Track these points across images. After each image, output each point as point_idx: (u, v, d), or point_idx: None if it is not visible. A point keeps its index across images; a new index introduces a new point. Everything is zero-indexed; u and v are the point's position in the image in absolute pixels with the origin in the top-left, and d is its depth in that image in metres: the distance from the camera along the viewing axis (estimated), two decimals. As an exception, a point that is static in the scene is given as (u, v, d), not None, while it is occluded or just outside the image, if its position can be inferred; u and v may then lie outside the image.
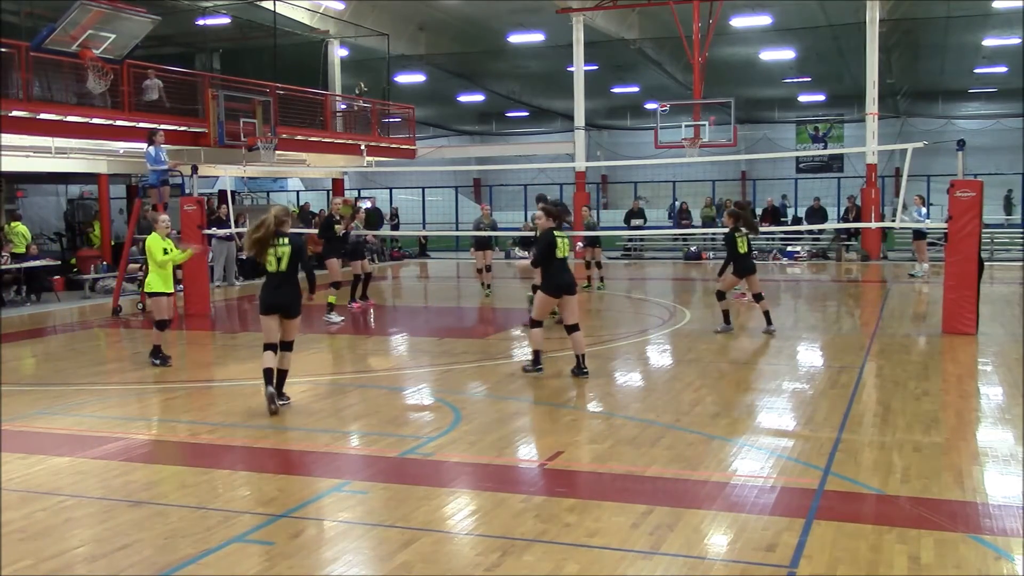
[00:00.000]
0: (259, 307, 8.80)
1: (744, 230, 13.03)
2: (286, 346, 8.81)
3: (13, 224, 19.33)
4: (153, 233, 11.35)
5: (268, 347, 8.69)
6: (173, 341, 14.10)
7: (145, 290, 11.38)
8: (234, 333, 14.95)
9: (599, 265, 19.04)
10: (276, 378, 8.69)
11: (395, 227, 31.32)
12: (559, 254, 9.91)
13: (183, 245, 12.41)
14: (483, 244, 18.41)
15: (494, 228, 18.35)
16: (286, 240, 8.64)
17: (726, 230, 13.80)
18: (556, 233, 9.95)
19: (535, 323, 10.17)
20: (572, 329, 10.17)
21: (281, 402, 8.81)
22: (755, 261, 13.81)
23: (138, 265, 19.08)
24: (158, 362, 11.21)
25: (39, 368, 12.04)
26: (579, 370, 10.14)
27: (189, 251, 12.10)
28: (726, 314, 13.14)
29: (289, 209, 9.74)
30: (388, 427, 8.33)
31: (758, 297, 13.15)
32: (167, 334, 11.39)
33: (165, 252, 11.19)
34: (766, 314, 13.04)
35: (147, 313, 16.50)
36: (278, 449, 7.63)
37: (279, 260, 8.60)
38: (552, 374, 10.70)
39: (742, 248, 12.93)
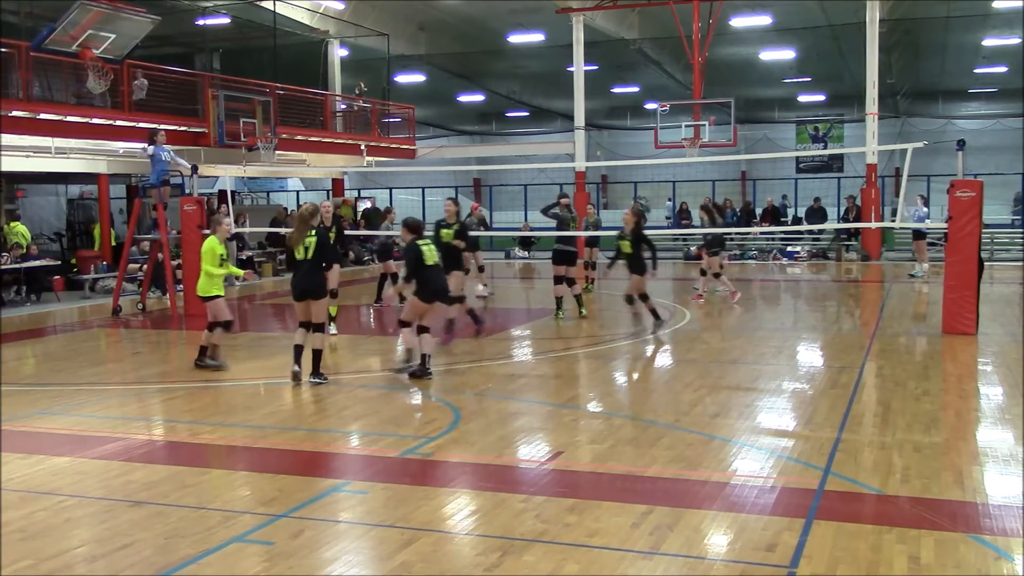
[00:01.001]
0: (292, 294, 10.10)
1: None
2: (317, 327, 10.04)
3: (12, 224, 19.33)
4: (212, 236, 10.93)
5: (301, 324, 10.10)
6: (174, 341, 14.13)
7: (200, 294, 11.00)
8: (234, 333, 14.92)
9: (592, 266, 19.05)
10: (312, 358, 9.95)
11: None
12: (428, 262, 10.12)
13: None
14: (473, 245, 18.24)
15: (486, 226, 18.10)
16: (313, 232, 10.00)
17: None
18: (419, 243, 10.16)
19: (404, 324, 10.34)
20: (423, 330, 10.28)
21: (317, 380, 9.91)
22: (756, 261, 13.86)
23: (138, 265, 19.10)
24: (215, 363, 10.93)
25: (39, 368, 12.05)
26: (423, 370, 10.20)
27: (240, 272, 12.23)
28: (654, 312, 12.99)
29: (317, 206, 10.68)
30: (388, 427, 8.34)
31: (644, 297, 13.05)
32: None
33: (222, 259, 10.88)
34: (652, 312, 13.01)
35: (147, 313, 16.56)
36: (278, 449, 7.63)
37: (307, 249, 9.90)
38: (552, 374, 10.71)
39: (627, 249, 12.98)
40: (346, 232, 15.67)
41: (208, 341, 11.00)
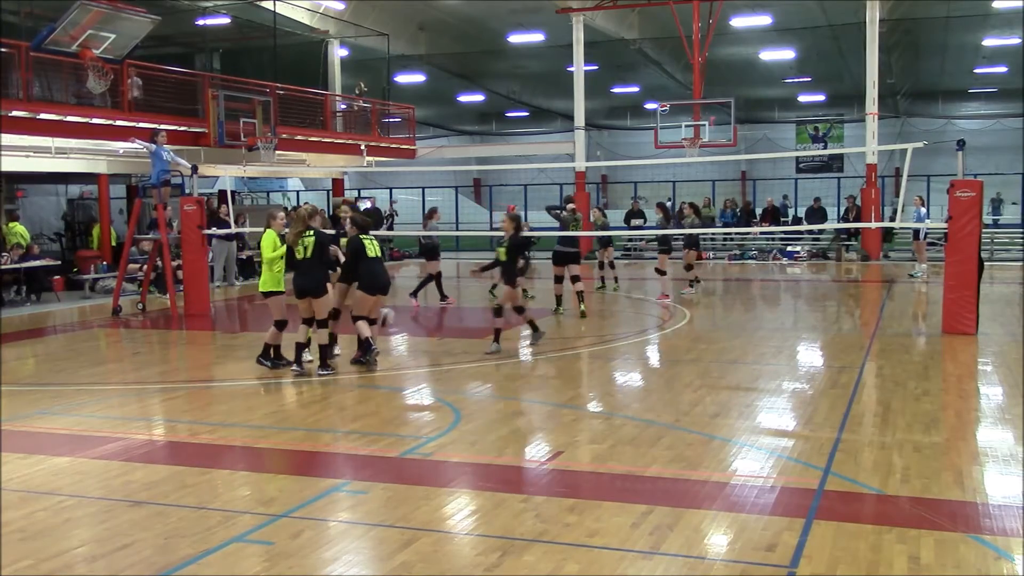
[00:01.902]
0: (294, 292, 10.52)
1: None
2: (320, 323, 10.45)
3: (11, 224, 19.34)
4: (269, 230, 10.77)
5: (304, 321, 10.58)
6: (174, 341, 14.13)
7: (261, 289, 10.90)
8: (234, 333, 14.94)
9: (612, 266, 19.16)
10: (319, 352, 10.53)
11: (390, 227, 31.26)
12: (370, 254, 10.65)
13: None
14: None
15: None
16: (311, 232, 10.37)
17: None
18: (363, 238, 10.68)
19: (357, 317, 10.76)
20: (361, 319, 10.73)
21: (324, 372, 10.43)
22: (756, 261, 13.75)
23: (138, 265, 19.10)
24: (269, 364, 10.78)
25: (39, 368, 12.04)
26: (365, 357, 10.73)
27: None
28: (497, 332, 11.84)
29: (318, 208, 11.06)
30: (388, 427, 8.34)
31: (497, 311, 11.95)
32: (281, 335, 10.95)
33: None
34: (497, 332, 11.81)
35: (147, 313, 16.55)
36: (278, 449, 7.63)
37: (306, 248, 10.30)
38: (552, 374, 10.71)
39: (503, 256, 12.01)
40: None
41: (275, 340, 10.91)
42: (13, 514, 6.03)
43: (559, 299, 15.29)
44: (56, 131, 17.82)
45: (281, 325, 10.84)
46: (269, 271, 10.75)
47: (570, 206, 16.17)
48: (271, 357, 10.91)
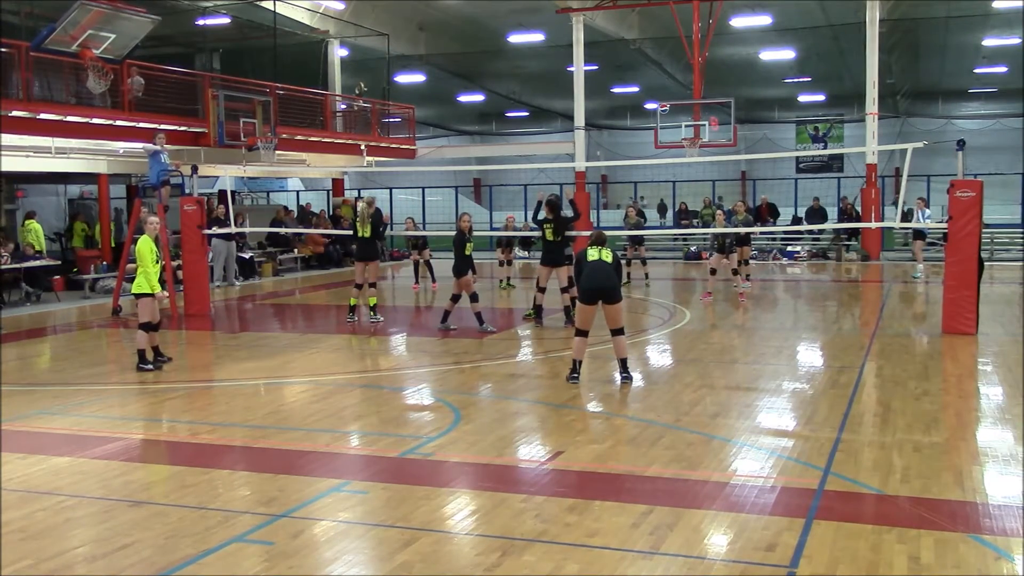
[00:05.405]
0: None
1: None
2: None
3: (28, 223, 19.43)
4: (144, 236, 10.99)
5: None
6: (173, 341, 14.14)
7: (135, 292, 11.01)
8: (234, 333, 14.94)
9: (644, 262, 20.87)
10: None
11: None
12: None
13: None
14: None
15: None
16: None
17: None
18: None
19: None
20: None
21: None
22: (756, 261, 13.75)
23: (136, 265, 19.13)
24: (151, 367, 11.02)
25: (39, 368, 12.04)
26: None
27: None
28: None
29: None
30: (388, 427, 8.34)
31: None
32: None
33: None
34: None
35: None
36: (278, 449, 7.63)
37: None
38: (552, 374, 10.70)
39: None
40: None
41: (145, 344, 11.08)
42: (13, 514, 6.03)
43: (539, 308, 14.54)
44: (56, 131, 17.81)
45: (148, 327, 10.96)
46: (144, 274, 10.83)
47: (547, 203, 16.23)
48: (151, 360, 11.05)
